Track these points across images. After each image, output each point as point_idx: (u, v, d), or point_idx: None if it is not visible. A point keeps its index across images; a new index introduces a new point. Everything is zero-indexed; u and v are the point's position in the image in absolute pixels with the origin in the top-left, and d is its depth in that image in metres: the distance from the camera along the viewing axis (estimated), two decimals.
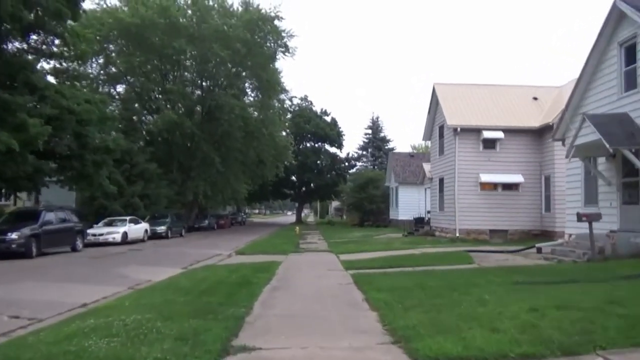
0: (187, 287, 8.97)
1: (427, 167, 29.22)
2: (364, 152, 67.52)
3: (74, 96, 23.08)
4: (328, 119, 64.97)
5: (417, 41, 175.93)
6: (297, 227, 39.17)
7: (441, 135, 26.22)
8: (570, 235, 16.10)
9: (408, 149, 65.94)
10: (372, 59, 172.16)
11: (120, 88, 42.81)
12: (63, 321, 6.63)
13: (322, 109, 65.91)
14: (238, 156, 43.54)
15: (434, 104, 26.93)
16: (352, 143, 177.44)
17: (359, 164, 66.99)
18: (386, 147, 65.99)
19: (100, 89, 40.27)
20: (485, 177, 23.41)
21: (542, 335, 5.01)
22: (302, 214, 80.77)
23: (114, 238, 23.99)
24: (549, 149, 22.89)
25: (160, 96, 40.73)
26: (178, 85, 36.99)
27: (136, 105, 41.68)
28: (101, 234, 23.97)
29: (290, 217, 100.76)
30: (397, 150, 46.11)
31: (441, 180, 26.05)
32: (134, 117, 39.41)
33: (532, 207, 23.61)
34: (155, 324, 5.74)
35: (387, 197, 44.15)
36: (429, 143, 32.49)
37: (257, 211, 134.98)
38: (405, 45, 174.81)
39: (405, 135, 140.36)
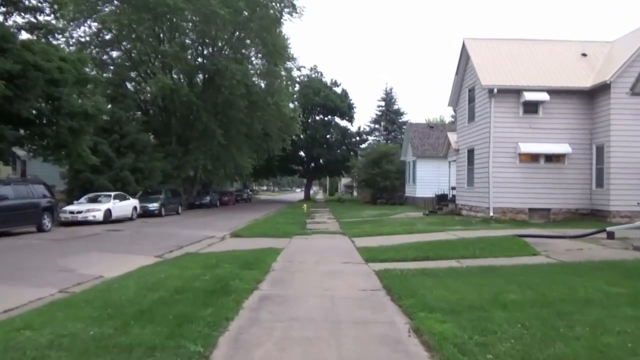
0: (124, 299, 5.74)
1: (452, 137, 25.67)
2: (377, 126, 63.73)
3: (43, 52, 19.71)
4: (338, 90, 61.04)
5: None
6: (305, 205, 35.98)
7: (471, 100, 22.57)
8: None
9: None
10: (386, 25, 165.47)
11: (115, 55, 39.43)
12: None
13: (332, 80, 62.01)
14: (241, 128, 40.15)
15: (463, 62, 23.21)
16: (364, 116, 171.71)
17: (371, 138, 63.32)
18: (400, 120, 62.21)
19: (94, 56, 37.08)
20: (526, 147, 19.85)
21: None
22: (311, 191, 77.61)
23: (94, 216, 20.92)
24: (603, 114, 19.26)
25: (155, 63, 37.14)
26: (174, 48, 33.35)
27: (131, 73, 38.33)
28: (80, 212, 20.91)
29: (298, 194, 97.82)
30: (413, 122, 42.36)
31: (470, 152, 22.53)
32: (125, 83, 35.87)
33: (580, 182, 20.07)
34: None
35: (402, 173, 40.68)
36: (445, 116, 28.80)
37: (265, 188, 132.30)
38: (423, 4, 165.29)
39: (421, 108, 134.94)
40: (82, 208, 21.22)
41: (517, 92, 19.97)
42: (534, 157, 20.16)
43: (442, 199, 27.10)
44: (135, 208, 24.55)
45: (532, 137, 19.97)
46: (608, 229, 12.53)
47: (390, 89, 67.34)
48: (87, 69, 24.49)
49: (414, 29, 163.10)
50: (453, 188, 26.06)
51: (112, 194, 23.37)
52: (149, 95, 35.62)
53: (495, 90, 19.77)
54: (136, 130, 30.27)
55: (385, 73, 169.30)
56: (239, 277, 7.22)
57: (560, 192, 20.02)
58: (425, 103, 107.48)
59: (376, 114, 63.62)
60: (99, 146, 27.09)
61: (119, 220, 22.53)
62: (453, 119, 62.27)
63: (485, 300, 5.44)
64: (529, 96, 19.67)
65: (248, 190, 65.98)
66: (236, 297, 5.92)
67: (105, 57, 37.92)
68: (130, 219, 23.90)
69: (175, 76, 39.30)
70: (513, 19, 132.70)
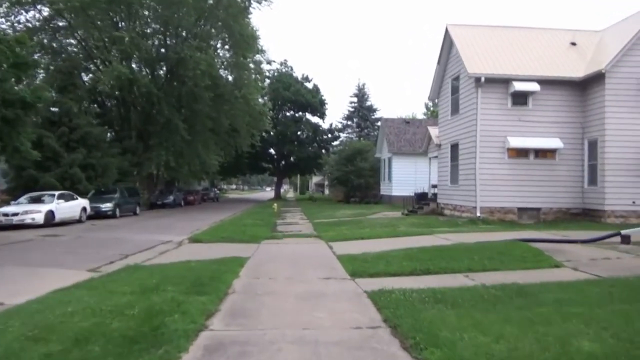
0: None
1: (433, 131, 24.02)
2: (349, 122, 61.94)
3: None
4: (310, 85, 59.02)
5: None
6: (276, 204, 33.85)
7: (455, 90, 20.95)
8: None
9: None
10: (358, 20, 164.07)
11: (68, 43, 36.17)
12: None
13: (303, 75, 59.89)
14: (207, 122, 37.56)
15: (446, 50, 21.57)
16: (336, 113, 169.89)
17: (343, 135, 61.48)
18: (373, 117, 60.68)
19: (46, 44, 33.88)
20: (515, 142, 18.33)
21: None
22: (282, 190, 75.34)
23: (33, 219, 18.29)
24: (597, 106, 17.92)
25: (112, 51, 34.13)
26: (130, 33, 30.56)
27: (89, 65, 35.25)
28: (15, 214, 18.22)
29: (268, 193, 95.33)
30: (389, 117, 40.69)
31: (454, 147, 20.91)
32: (80, 73, 32.86)
33: (571, 179, 18.71)
34: None
35: (377, 171, 39.01)
36: (418, 113, 27.25)
37: (234, 187, 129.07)
38: None
39: (394, 104, 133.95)
40: (19, 210, 18.53)
41: (505, 81, 18.43)
42: (523, 153, 18.68)
43: (421, 197, 25.47)
44: (84, 209, 21.88)
45: (521, 131, 18.48)
46: (623, 232, 10.96)
47: (363, 85, 65.87)
48: (27, 53, 21.61)
49: (387, 23, 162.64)
50: (434, 186, 24.44)
51: (56, 193, 20.65)
52: (107, 86, 32.63)
53: (483, 80, 18.16)
54: (88, 123, 27.44)
55: (357, 69, 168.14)
56: (182, 308, 5.12)
57: (550, 190, 18.61)
58: (398, 99, 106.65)
59: (349, 110, 61.90)
60: (44, 140, 24.36)
61: (64, 223, 19.92)
62: (425, 116, 61.28)
63: (552, 353, 3.56)
64: (518, 86, 18.14)
65: (215, 189, 63.16)
66: (169, 351, 3.86)
67: (56, 45, 34.69)
68: (79, 221, 21.26)
69: (135, 67, 36.52)
70: (489, 7, 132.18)
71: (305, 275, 8.01)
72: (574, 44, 20.44)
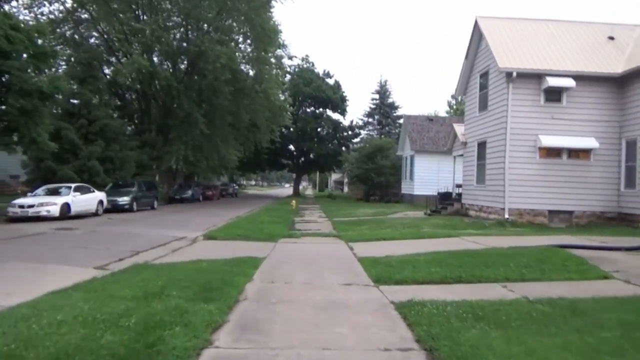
0: None
1: (459, 128, 23.09)
2: (370, 120, 60.99)
3: None
4: (331, 81, 58.23)
5: None
6: (294, 201, 33.28)
7: (483, 86, 20.01)
8: None
9: None
10: (381, 16, 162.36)
11: (91, 36, 36.17)
12: None
13: (324, 71, 59.13)
14: (227, 117, 37.21)
15: (475, 44, 20.63)
16: (357, 110, 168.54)
17: (363, 132, 60.58)
18: (395, 114, 59.63)
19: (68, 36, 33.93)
20: (548, 140, 17.34)
21: None
22: (300, 187, 74.82)
23: (48, 211, 18.02)
24: (636, 104, 16.83)
25: (134, 44, 33.91)
26: (152, 26, 30.26)
27: (110, 58, 35.15)
28: (31, 206, 17.96)
29: (287, 189, 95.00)
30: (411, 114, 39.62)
31: (481, 145, 19.99)
32: (101, 65, 32.72)
33: (607, 181, 17.63)
34: None
35: (398, 169, 38.12)
36: (440, 111, 26.30)
37: (253, 182, 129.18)
38: None
39: (416, 101, 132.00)
40: (35, 201, 18.27)
41: (538, 77, 17.44)
42: (555, 152, 17.66)
43: (445, 197, 24.56)
44: (101, 202, 21.61)
45: (554, 129, 17.48)
46: None
47: (385, 82, 64.50)
48: (48, 44, 21.41)
49: (410, 19, 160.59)
50: (458, 186, 23.53)
51: (73, 185, 20.39)
52: (127, 78, 32.42)
53: (514, 74, 17.20)
54: (107, 116, 27.23)
55: (380, 66, 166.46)
56: (185, 319, 4.50)
57: (584, 192, 17.57)
58: (421, 96, 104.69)
59: (370, 107, 60.93)
60: (62, 131, 24.19)
61: (80, 216, 19.65)
62: (448, 114, 59.96)
63: None
64: (552, 82, 17.13)
65: (234, 185, 62.93)
66: None
67: (78, 37, 34.66)
68: (95, 214, 21.00)
69: (156, 60, 36.35)
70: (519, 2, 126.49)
71: (324, 279, 7.36)
72: (611, 38, 19.30)
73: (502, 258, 8.61)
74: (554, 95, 17.62)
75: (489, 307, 5.13)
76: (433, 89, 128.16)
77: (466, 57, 21.29)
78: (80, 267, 8.54)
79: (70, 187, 20.10)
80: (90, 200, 20.85)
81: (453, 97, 62.35)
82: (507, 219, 17.26)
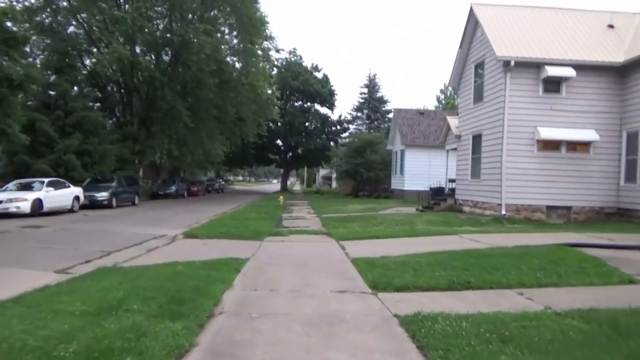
0: None
1: (452, 121, 22.30)
2: (359, 114, 60.12)
3: None
4: (319, 75, 57.22)
5: None
6: (282, 197, 32.32)
7: (479, 76, 19.23)
8: None
9: None
10: (369, 10, 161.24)
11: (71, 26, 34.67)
12: None
13: (312, 64, 58.09)
14: (212, 110, 35.99)
15: (470, 33, 19.83)
16: (345, 104, 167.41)
17: (352, 126, 59.75)
18: (384, 109, 58.86)
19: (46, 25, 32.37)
20: (546, 133, 16.62)
21: None
22: (288, 182, 73.79)
23: (17, 207, 16.90)
24: (637, 94, 16.15)
25: (115, 34, 32.50)
26: (133, 14, 28.94)
27: (92, 48, 33.69)
28: None
29: (275, 185, 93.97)
30: (402, 107, 38.75)
31: (476, 138, 19.23)
32: (79, 55, 31.32)
33: (606, 175, 17.00)
34: None
35: (388, 164, 37.33)
36: (429, 105, 25.53)
37: (240, 178, 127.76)
38: None
39: (405, 96, 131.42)
40: (4, 197, 17.11)
41: (537, 66, 16.69)
42: (554, 145, 16.96)
43: (438, 192, 23.81)
44: (77, 198, 20.45)
45: (553, 121, 16.78)
46: None
47: (374, 76, 63.78)
48: (23, 30, 20.11)
49: (399, 10, 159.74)
50: (452, 180, 22.77)
51: (46, 180, 19.21)
52: (107, 68, 30.97)
53: (512, 63, 16.42)
54: (85, 107, 25.96)
55: (367, 61, 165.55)
56: (141, 345, 3.56)
57: (583, 187, 16.92)
58: (409, 91, 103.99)
59: (358, 102, 60.07)
60: (37, 124, 22.92)
61: (54, 213, 18.51)
62: (437, 108, 59.25)
63: None
64: (552, 71, 16.39)
65: (221, 180, 61.73)
66: None
67: (55, 25, 33.13)
68: (71, 210, 19.86)
69: (139, 51, 35.00)
70: None
71: (315, 286, 6.46)
72: (611, 26, 18.63)
73: (511, 259, 7.79)
74: (553, 85, 16.90)
75: (513, 324, 4.28)
76: (421, 84, 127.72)
77: (460, 47, 20.49)
78: (38, 271, 7.55)
79: (43, 182, 18.93)
80: (65, 195, 19.69)
81: (442, 91, 61.74)
82: (504, 215, 16.54)
